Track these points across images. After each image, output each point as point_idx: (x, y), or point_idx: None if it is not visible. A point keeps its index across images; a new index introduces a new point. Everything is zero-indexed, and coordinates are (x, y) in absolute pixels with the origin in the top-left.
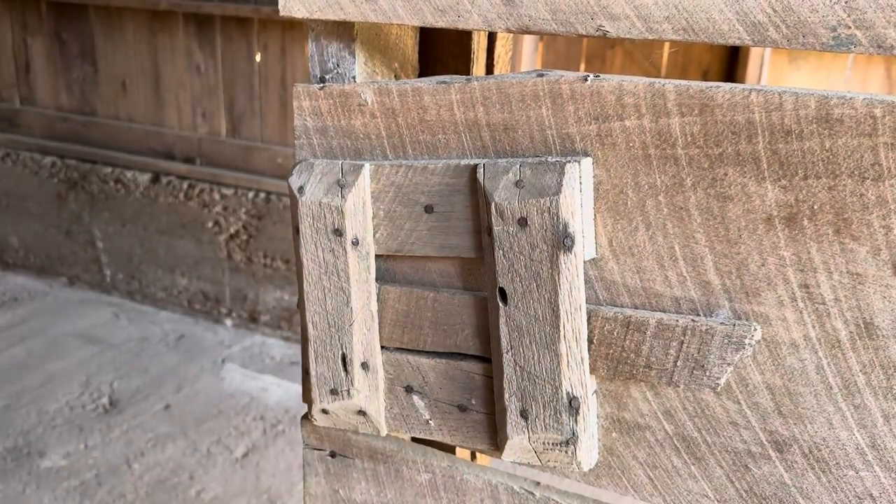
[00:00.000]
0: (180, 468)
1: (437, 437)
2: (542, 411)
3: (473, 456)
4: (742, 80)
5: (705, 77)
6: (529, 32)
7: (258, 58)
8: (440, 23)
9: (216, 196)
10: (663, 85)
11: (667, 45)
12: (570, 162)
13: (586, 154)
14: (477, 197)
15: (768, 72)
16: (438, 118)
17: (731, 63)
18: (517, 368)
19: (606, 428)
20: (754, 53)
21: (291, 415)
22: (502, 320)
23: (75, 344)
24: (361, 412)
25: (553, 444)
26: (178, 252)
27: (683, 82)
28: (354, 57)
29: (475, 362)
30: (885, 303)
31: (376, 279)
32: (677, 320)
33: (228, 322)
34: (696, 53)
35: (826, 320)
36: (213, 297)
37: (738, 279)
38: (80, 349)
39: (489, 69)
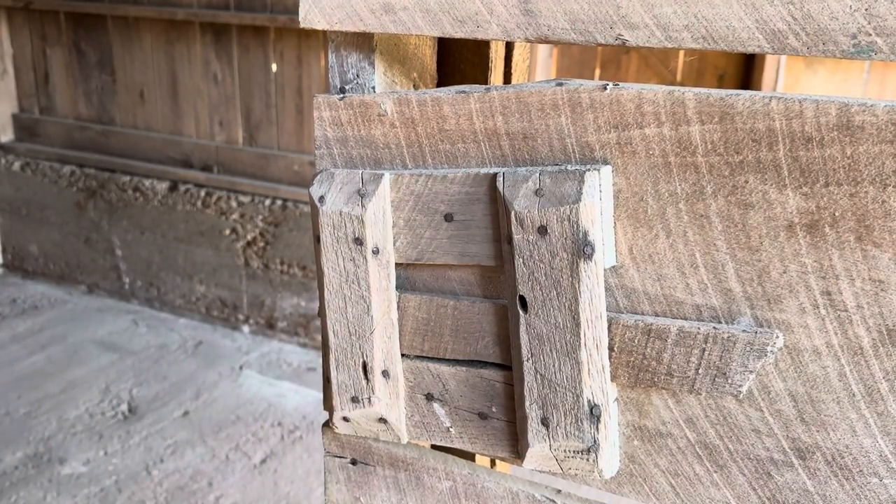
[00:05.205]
0: (199, 474)
1: (457, 445)
2: (563, 419)
3: (493, 463)
4: (758, 85)
5: (721, 81)
6: (548, 42)
7: (274, 66)
8: (459, 33)
9: (233, 204)
10: (683, 93)
11: (681, 51)
12: (589, 170)
13: (606, 162)
14: (497, 205)
15: (784, 76)
16: (458, 127)
17: (747, 67)
18: (538, 376)
19: (628, 436)
20: (771, 58)
21: (309, 421)
22: (523, 328)
23: (95, 351)
24: (382, 420)
25: (574, 451)
26: (196, 259)
27: (703, 90)
28: (374, 67)
29: (496, 370)
30: None
31: (396, 287)
32: (699, 328)
33: (246, 329)
34: (711, 58)
35: (848, 327)
36: (231, 304)
37: (759, 286)
38: (100, 356)
39: (507, 78)
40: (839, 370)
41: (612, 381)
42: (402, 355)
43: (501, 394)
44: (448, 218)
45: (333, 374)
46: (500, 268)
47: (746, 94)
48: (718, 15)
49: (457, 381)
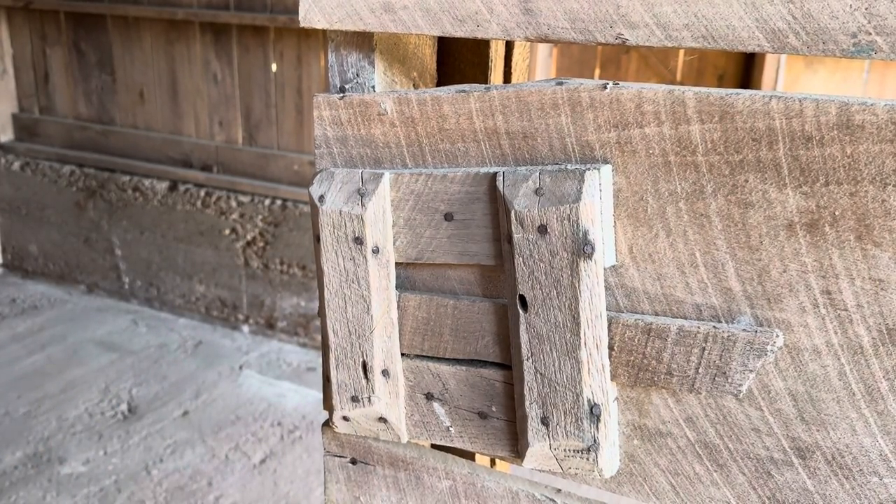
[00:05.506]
0: (199, 474)
1: (457, 444)
2: (563, 418)
3: (493, 463)
4: (758, 84)
5: (721, 80)
6: (548, 41)
7: (274, 66)
8: (459, 32)
9: (233, 203)
10: (683, 92)
11: (681, 51)
12: (589, 169)
13: (606, 161)
14: (497, 205)
15: (784, 75)
16: (458, 127)
17: (747, 67)
18: (538, 375)
19: (628, 435)
20: (770, 57)
21: (308, 421)
22: (522, 327)
23: (95, 351)
24: (382, 419)
25: (574, 451)
26: (196, 259)
27: (703, 89)
28: (374, 67)
29: (495, 369)
30: None
31: (396, 287)
32: (699, 327)
33: (246, 328)
34: (711, 57)
35: (848, 326)
36: (231, 304)
37: (759, 285)
38: (100, 356)
39: (507, 77)
40: (839, 369)
41: (612, 380)
42: (402, 355)
43: (501, 393)
44: (448, 217)
45: (333, 373)
46: (500, 267)
47: (746, 93)
48: (718, 14)
49: (457, 381)
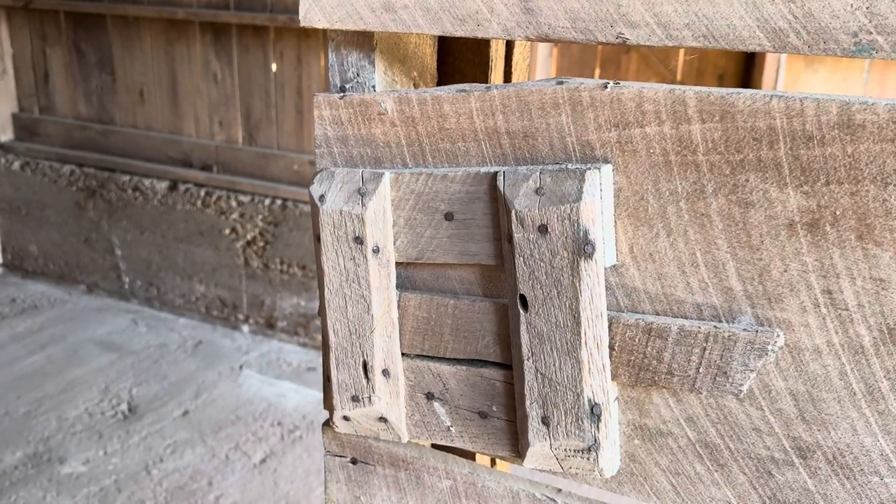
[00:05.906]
0: (199, 474)
1: (458, 444)
2: (563, 418)
3: (493, 463)
4: (758, 84)
5: (721, 80)
6: (549, 40)
7: (274, 66)
8: (459, 32)
9: (233, 203)
10: (683, 92)
11: (682, 50)
12: (590, 169)
13: (606, 161)
14: (497, 204)
15: (784, 75)
16: (458, 126)
17: (747, 66)
18: (538, 375)
19: (628, 435)
20: (770, 57)
21: (308, 420)
22: (523, 327)
23: (94, 351)
24: (382, 419)
25: (575, 450)
26: (196, 259)
27: (704, 89)
28: (374, 66)
29: (496, 369)
30: None
31: (397, 287)
32: (699, 327)
33: (246, 328)
34: (711, 57)
35: (849, 326)
36: (231, 304)
37: (760, 285)
38: (100, 356)
39: (507, 77)
40: (840, 369)
41: (612, 379)
42: (403, 354)
43: (502, 393)
44: (448, 217)
45: (334, 373)
46: (501, 267)
47: (747, 92)
48: (719, 13)
49: (457, 381)
